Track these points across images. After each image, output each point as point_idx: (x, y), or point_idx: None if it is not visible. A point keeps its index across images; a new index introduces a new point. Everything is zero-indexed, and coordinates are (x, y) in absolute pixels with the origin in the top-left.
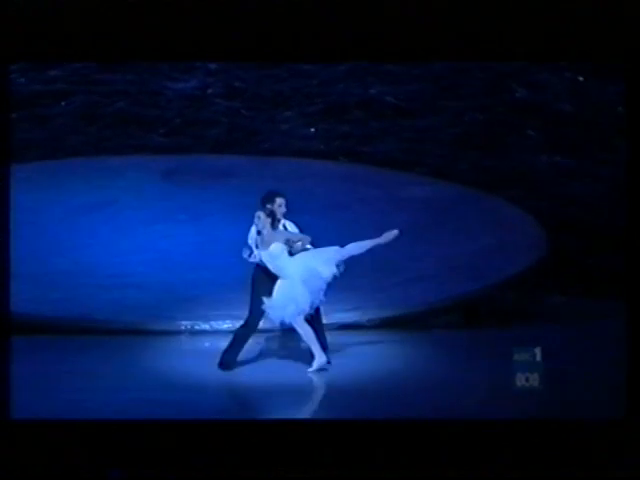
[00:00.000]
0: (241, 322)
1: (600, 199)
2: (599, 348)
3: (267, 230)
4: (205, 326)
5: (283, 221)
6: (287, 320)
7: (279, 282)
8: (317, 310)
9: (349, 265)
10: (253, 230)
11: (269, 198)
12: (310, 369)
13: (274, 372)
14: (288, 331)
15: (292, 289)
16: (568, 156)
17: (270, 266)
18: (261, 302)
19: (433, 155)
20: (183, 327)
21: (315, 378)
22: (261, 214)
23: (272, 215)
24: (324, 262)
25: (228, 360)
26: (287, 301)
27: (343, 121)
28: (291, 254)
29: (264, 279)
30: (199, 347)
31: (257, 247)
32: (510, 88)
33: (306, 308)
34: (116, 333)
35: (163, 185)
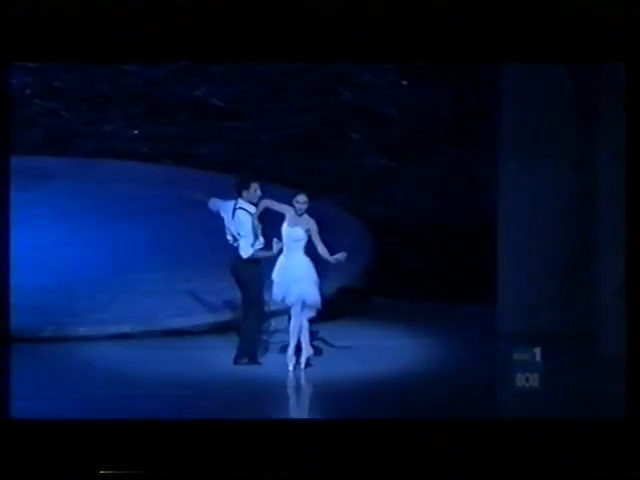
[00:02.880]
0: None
1: (426, 202)
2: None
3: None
4: (25, 334)
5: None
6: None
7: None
8: None
9: (178, 270)
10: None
11: (244, 184)
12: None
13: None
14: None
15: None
16: (394, 159)
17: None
18: (262, 290)
19: (260, 158)
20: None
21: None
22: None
23: None
24: None
25: (253, 353)
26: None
27: (168, 123)
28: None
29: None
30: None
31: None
32: (336, 90)
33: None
34: None
35: None
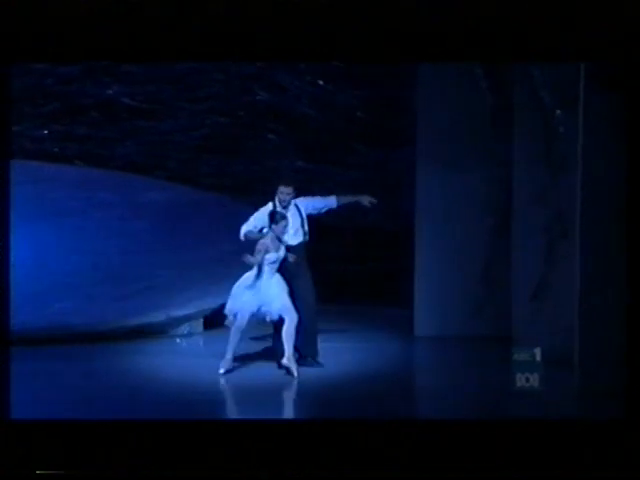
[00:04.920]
0: None
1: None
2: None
3: None
4: None
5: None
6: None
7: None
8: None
9: (89, 273)
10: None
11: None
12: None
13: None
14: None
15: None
16: (311, 161)
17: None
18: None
19: (174, 159)
20: None
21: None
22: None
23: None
24: None
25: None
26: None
27: (79, 123)
28: None
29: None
30: None
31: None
32: (251, 90)
33: None
34: None
35: None
